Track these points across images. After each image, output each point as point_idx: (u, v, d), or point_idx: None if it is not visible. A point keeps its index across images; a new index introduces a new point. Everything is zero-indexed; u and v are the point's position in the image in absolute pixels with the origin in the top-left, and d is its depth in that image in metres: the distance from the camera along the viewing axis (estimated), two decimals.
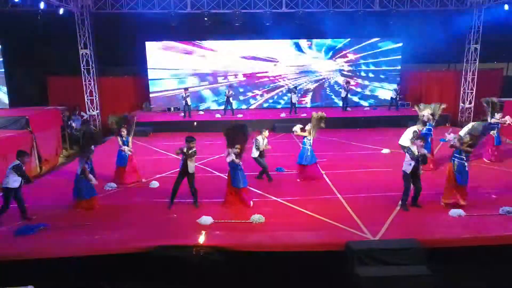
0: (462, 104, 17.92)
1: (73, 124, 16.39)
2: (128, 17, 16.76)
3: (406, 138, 9.45)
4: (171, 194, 7.62)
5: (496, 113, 10.81)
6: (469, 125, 8.72)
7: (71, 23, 16.07)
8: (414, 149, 7.24)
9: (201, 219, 6.91)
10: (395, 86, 18.27)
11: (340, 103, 18.58)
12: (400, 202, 7.55)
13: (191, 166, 7.50)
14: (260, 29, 17.15)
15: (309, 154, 9.21)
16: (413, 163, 7.22)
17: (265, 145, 9.08)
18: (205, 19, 16.31)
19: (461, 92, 17.99)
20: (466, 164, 7.29)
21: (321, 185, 9.06)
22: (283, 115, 16.87)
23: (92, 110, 17.15)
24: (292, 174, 9.88)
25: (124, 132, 9.28)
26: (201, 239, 6.13)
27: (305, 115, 16.94)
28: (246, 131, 7.68)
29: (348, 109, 17.99)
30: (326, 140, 13.73)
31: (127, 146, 9.29)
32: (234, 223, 6.90)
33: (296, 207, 7.67)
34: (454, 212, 7.13)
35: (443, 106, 10.22)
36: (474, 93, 17.55)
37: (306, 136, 9.22)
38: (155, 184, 8.94)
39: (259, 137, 8.98)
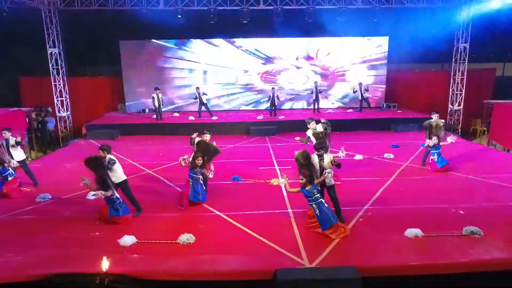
0: (451, 106, 16.96)
1: (48, 125, 15.80)
2: (102, 15, 16.04)
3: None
4: None
5: (433, 136, 9.46)
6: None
7: (40, 20, 15.40)
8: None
9: (122, 239, 6.13)
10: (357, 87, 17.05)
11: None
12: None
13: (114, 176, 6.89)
14: (237, 27, 16.44)
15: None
16: None
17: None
18: (179, 16, 15.58)
19: (450, 93, 17.03)
20: (318, 205, 6.21)
21: (275, 197, 8.21)
22: (260, 117, 16.03)
23: (63, 112, 16.43)
24: (249, 183, 9.12)
25: None
26: (108, 265, 5.32)
27: (283, 117, 16.18)
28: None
29: (330, 110, 17.09)
30: (299, 144, 12.85)
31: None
32: (158, 244, 6.10)
33: (236, 223, 6.83)
34: (410, 232, 6.26)
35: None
36: (463, 94, 16.61)
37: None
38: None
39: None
